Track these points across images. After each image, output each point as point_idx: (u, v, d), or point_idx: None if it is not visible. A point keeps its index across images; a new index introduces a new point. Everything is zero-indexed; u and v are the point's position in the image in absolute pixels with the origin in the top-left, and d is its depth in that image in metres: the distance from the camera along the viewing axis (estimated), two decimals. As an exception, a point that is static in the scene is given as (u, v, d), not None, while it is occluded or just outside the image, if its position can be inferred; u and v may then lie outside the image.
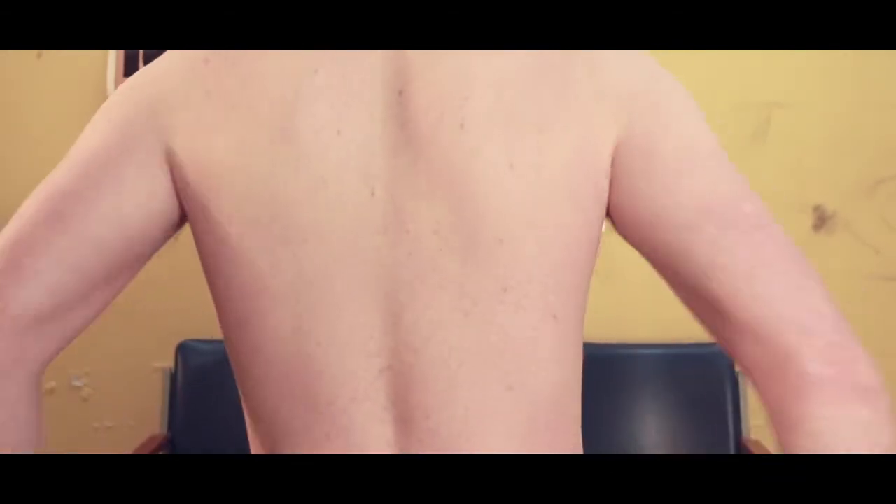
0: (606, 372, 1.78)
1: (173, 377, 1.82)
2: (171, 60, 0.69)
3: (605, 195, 0.66)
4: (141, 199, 0.66)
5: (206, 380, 1.80)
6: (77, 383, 1.96)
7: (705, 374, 1.79)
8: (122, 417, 1.93)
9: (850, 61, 1.88)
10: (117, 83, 1.89)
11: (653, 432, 1.78)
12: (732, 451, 1.75)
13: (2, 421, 0.62)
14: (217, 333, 0.70)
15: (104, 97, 1.88)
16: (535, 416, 0.66)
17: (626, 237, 0.68)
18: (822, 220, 1.89)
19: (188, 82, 0.67)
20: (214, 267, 0.67)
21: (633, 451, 1.77)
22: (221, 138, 0.64)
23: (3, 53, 1.90)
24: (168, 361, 1.86)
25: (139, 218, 0.66)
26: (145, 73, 0.70)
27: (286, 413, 0.67)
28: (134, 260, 0.68)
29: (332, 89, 0.64)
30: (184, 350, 1.82)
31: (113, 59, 1.90)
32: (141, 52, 1.88)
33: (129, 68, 1.89)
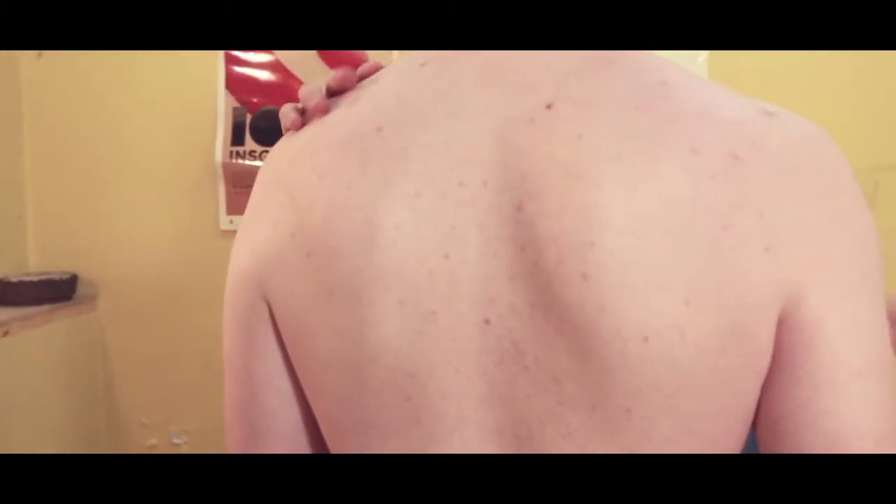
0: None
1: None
2: (263, 217, 0.63)
3: (766, 372, 0.54)
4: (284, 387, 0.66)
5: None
6: (177, 441, 1.98)
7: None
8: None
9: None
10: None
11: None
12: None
13: None
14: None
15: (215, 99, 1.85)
16: None
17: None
18: (934, 291, 1.84)
19: (283, 245, 0.60)
20: (315, 408, 0.64)
21: None
22: (313, 291, 0.59)
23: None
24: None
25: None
26: (240, 244, 0.65)
27: None
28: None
29: (437, 209, 0.55)
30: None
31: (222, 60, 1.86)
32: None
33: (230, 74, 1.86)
